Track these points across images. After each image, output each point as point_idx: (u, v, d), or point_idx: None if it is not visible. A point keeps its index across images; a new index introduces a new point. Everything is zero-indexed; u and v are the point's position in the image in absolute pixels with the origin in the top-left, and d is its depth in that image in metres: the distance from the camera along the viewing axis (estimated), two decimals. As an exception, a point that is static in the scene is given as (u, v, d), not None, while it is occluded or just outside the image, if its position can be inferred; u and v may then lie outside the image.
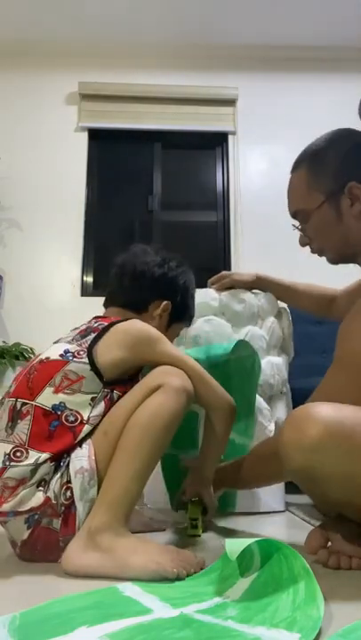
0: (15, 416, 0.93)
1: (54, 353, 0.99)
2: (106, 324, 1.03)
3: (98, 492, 0.89)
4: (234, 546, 0.73)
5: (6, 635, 0.58)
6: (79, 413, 0.94)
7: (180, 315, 1.22)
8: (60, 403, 0.93)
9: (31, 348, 2.78)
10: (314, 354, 2.56)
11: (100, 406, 0.95)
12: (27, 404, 0.94)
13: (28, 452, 0.89)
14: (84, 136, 3.33)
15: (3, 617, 0.62)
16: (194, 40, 3.34)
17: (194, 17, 3.18)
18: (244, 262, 3.12)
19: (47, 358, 0.99)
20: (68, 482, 0.89)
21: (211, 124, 3.39)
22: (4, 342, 2.92)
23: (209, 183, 3.48)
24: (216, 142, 3.49)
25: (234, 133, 3.39)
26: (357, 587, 0.77)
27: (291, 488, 1.35)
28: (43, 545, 0.88)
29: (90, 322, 1.09)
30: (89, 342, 0.99)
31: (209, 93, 3.36)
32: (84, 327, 1.06)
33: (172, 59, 3.41)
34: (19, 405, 0.94)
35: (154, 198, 3.42)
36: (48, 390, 0.94)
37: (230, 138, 3.40)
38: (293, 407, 1.55)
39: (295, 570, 0.71)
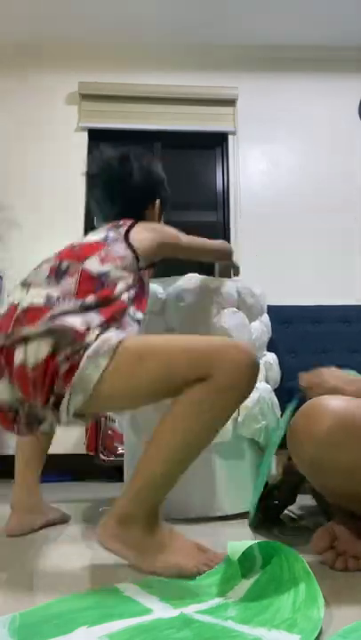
0: (59, 272, 0.99)
1: (93, 238, 1.12)
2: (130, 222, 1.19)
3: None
4: (236, 547, 0.74)
5: (6, 635, 0.58)
6: (117, 284, 1.01)
7: (167, 201, 1.43)
8: (106, 272, 1.01)
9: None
10: (313, 353, 2.56)
11: (134, 290, 1.05)
12: (73, 264, 1.00)
13: (74, 300, 0.94)
14: (84, 136, 3.32)
15: (3, 617, 0.62)
16: (194, 40, 3.34)
17: (194, 17, 3.18)
18: (243, 262, 3.10)
19: (87, 241, 1.11)
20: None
21: (211, 124, 3.39)
22: (3, 342, 2.91)
23: (209, 183, 3.48)
24: (216, 142, 3.48)
25: (234, 133, 3.38)
26: (357, 588, 0.77)
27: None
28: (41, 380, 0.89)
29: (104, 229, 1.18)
30: (123, 232, 1.13)
31: (209, 93, 3.35)
32: (107, 227, 1.18)
33: (171, 59, 3.40)
34: (64, 266, 1.00)
35: (154, 198, 3.41)
36: (95, 258, 1.02)
37: (230, 138, 3.40)
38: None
39: (296, 571, 0.71)
